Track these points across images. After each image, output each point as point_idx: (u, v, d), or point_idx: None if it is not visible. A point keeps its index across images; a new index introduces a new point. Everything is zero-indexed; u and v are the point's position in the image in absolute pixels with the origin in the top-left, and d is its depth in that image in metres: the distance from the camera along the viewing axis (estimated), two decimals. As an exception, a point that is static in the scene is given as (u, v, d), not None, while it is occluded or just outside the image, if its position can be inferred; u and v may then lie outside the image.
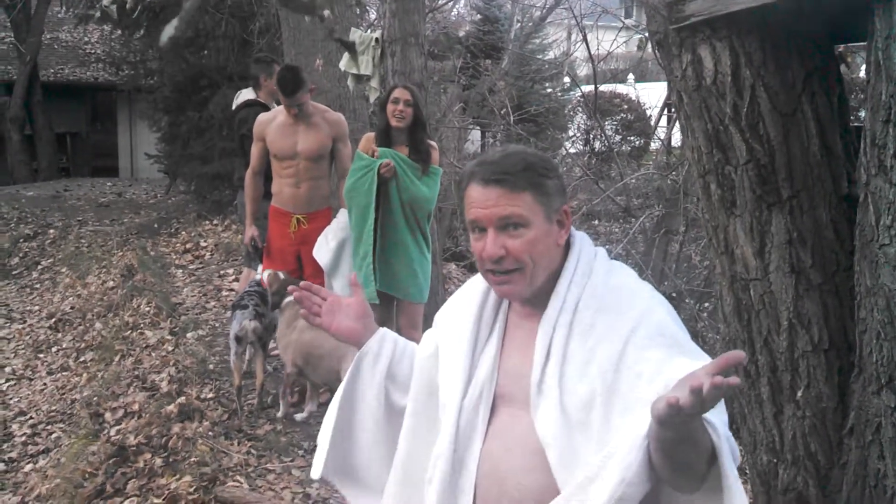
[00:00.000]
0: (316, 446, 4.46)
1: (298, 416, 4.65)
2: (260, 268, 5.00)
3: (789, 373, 2.11)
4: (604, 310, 1.51)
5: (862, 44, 1.98)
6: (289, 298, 4.54)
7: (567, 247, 1.61)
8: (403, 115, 4.37)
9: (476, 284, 1.73)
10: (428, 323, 5.24)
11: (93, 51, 20.26)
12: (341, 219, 4.78)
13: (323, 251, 4.73)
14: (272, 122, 4.80)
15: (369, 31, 6.21)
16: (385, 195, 4.41)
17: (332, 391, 4.67)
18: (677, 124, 6.18)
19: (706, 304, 5.43)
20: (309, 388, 4.73)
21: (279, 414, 4.66)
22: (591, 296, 1.53)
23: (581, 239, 1.63)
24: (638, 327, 1.45)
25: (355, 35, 5.97)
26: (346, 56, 6.03)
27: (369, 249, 4.40)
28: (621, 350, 1.43)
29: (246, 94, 5.83)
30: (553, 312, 1.54)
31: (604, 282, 1.55)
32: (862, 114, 2.09)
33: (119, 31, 13.58)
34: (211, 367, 5.47)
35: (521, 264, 1.53)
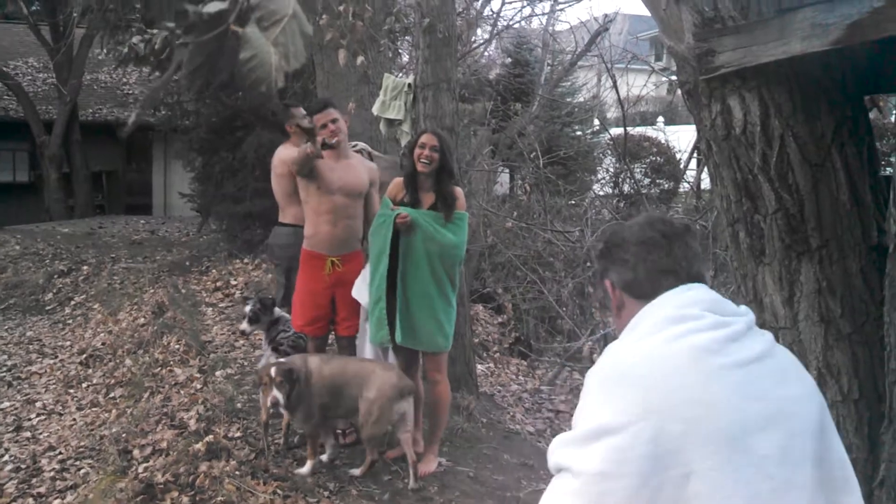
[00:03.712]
0: (341, 487, 4.43)
1: (323, 458, 4.64)
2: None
3: (819, 423, 2.08)
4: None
5: (891, 94, 1.99)
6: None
7: None
8: (430, 160, 4.41)
9: None
10: (452, 366, 5.25)
11: (130, 91, 20.77)
12: None
13: (364, 292, 4.76)
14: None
15: (402, 75, 6.29)
16: (410, 247, 4.43)
17: (355, 428, 4.68)
18: (706, 168, 6.14)
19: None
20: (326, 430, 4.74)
21: (325, 457, 4.61)
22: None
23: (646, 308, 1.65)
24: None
25: (388, 80, 6.06)
26: (378, 100, 6.13)
27: (382, 294, 4.45)
28: None
29: (282, 150, 5.66)
30: None
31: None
32: (893, 159, 2.09)
33: (157, 73, 13.86)
34: (239, 405, 5.48)
35: None
